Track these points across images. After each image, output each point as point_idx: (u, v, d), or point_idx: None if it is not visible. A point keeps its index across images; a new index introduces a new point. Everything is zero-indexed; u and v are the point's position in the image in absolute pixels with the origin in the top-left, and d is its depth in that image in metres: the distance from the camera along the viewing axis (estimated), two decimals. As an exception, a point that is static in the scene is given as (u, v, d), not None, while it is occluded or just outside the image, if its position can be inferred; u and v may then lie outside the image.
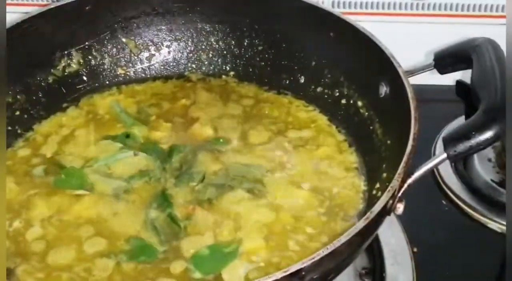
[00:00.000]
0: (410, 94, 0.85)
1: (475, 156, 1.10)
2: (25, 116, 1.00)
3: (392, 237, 0.98)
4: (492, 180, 1.07)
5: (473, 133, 0.76)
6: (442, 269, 0.96)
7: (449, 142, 0.78)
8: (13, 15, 1.04)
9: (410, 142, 0.79)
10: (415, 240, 0.98)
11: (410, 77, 0.89)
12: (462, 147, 0.77)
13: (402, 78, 0.87)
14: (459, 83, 1.05)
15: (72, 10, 1.02)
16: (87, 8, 1.03)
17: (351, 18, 0.98)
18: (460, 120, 1.16)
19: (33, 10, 1.00)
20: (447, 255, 0.97)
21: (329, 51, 1.02)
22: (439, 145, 1.13)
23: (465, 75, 0.98)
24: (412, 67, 0.96)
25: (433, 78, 1.04)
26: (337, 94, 1.02)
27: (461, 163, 1.10)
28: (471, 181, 1.07)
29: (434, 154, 1.12)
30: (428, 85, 1.18)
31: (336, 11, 1.06)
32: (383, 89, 0.93)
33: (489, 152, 1.11)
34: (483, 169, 1.09)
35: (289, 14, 1.04)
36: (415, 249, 0.98)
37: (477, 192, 1.05)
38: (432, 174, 1.09)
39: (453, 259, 0.97)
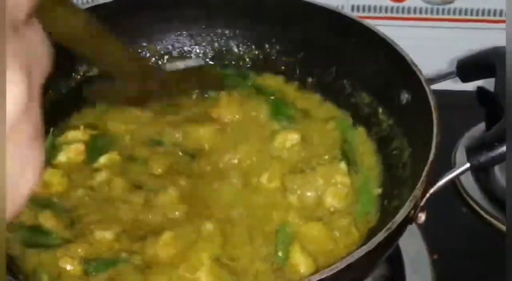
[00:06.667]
0: (432, 102, 0.84)
1: (497, 164, 1.09)
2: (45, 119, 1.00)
3: (412, 245, 0.97)
4: (513, 188, 1.06)
5: (496, 144, 0.76)
6: (462, 277, 0.96)
7: (472, 152, 0.77)
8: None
9: (433, 151, 0.78)
10: (435, 248, 0.98)
11: (432, 84, 0.88)
12: (485, 157, 0.76)
13: (424, 86, 0.86)
14: (480, 89, 1.05)
15: (94, 13, 1.02)
16: (107, 12, 1.04)
17: (371, 23, 0.98)
18: (480, 127, 1.15)
19: (55, 14, 1.00)
20: (467, 264, 0.97)
21: (349, 56, 1.01)
22: (459, 153, 1.13)
23: (485, 82, 0.97)
24: (434, 74, 0.95)
25: (452, 84, 1.03)
26: (358, 101, 1.02)
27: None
28: (492, 189, 1.06)
29: (454, 161, 1.12)
30: (446, 90, 1.17)
31: (356, 15, 1.05)
32: (404, 97, 0.92)
33: (511, 160, 1.10)
34: (505, 177, 1.08)
35: (309, 19, 1.04)
36: (435, 257, 0.97)
37: (498, 200, 1.04)
38: (453, 181, 1.08)
39: (474, 268, 0.96)
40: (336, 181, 0.86)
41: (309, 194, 0.86)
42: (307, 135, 0.96)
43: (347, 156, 0.93)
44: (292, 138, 0.94)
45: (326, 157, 0.92)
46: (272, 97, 1.03)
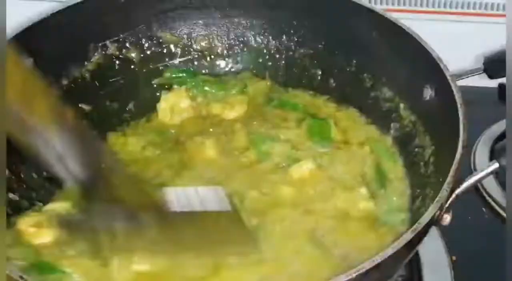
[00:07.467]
0: (458, 99, 0.81)
1: (518, 162, 1.07)
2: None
3: (430, 245, 0.95)
4: (534, 189, 1.03)
5: (527, 143, 0.73)
6: (481, 279, 0.93)
7: (502, 152, 0.74)
8: (49, 4, 1.02)
9: (460, 150, 0.75)
10: (454, 249, 0.95)
11: (457, 80, 0.86)
12: (515, 157, 0.73)
13: (449, 82, 0.83)
14: (503, 86, 1.02)
15: (108, 2, 1.00)
16: (123, 0, 1.01)
17: (394, 16, 0.95)
18: (501, 125, 1.12)
19: (69, 0, 0.98)
20: (486, 265, 0.94)
21: (371, 49, 0.98)
22: (479, 151, 1.10)
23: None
24: (460, 70, 0.92)
25: (468, 81, 1.00)
26: (379, 96, 0.99)
27: (503, 170, 1.06)
28: (513, 189, 1.03)
29: (474, 160, 1.09)
30: (462, 86, 1.14)
31: (379, 8, 1.02)
32: (428, 93, 0.89)
33: (532, 159, 1.08)
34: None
35: (329, 10, 1.01)
36: (454, 258, 0.95)
37: (519, 200, 1.01)
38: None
39: (493, 269, 0.93)
40: (358, 208, 0.84)
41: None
42: (336, 159, 0.93)
43: (376, 180, 0.90)
44: (306, 167, 0.91)
45: (351, 182, 0.89)
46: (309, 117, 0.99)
